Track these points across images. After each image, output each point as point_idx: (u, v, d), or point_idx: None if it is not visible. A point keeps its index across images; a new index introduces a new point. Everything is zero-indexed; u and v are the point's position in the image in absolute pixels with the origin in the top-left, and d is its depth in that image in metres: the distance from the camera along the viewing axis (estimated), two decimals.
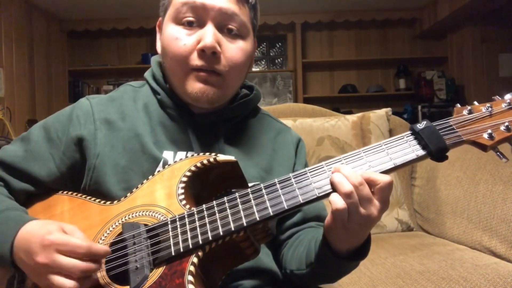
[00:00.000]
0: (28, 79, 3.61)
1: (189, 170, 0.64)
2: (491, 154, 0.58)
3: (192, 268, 0.55)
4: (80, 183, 0.72)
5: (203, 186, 0.67)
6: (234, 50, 0.71)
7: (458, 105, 0.60)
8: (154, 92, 0.77)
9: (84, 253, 0.55)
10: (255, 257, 0.62)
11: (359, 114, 1.55)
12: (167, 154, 0.72)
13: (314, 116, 1.60)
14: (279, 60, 4.73)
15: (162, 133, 0.74)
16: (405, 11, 4.24)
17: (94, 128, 0.72)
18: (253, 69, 4.68)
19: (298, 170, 0.81)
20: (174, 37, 0.70)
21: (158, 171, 0.66)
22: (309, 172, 0.59)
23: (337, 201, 0.55)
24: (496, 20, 3.94)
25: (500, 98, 0.58)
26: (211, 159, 0.63)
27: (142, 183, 0.66)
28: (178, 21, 0.70)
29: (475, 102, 0.59)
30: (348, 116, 1.55)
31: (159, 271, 0.56)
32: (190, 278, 0.54)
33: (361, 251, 0.64)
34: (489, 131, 0.55)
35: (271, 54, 4.72)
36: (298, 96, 4.32)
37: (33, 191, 0.72)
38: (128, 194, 0.66)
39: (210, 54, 0.68)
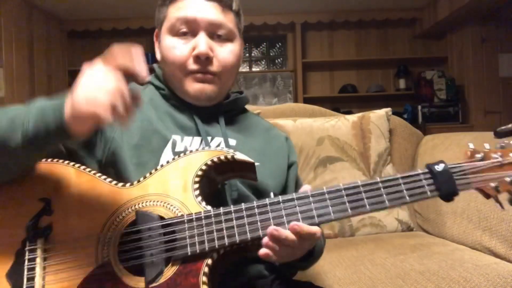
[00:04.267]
0: (28, 79, 3.61)
1: (206, 164, 0.66)
2: None
3: (206, 269, 0.58)
4: (92, 153, 0.75)
5: (214, 177, 0.69)
6: (225, 53, 0.81)
7: (471, 146, 0.63)
8: (158, 88, 0.86)
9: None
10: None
11: (359, 114, 1.55)
12: (176, 137, 0.79)
13: (314, 116, 1.60)
14: (279, 60, 4.73)
15: (169, 120, 0.81)
16: (405, 11, 4.23)
17: None
18: (253, 69, 4.68)
19: (291, 162, 0.90)
20: (172, 46, 0.80)
21: (173, 158, 0.68)
22: (327, 194, 0.62)
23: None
24: (496, 20, 3.94)
25: (510, 143, 0.62)
26: (229, 157, 0.66)
27: (155, 170, 0.67)
28: (174, 33, 0.80)
29: (487, 146, 0.62)
30: (348, 116, 1.55)
31: (173, 269, 0.59)
32: (204, 279, 0.57)
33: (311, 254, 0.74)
34: (496, 183, 0.59)
35: (271, 54, 4.72)
36: (298, 96, 4.31)
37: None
38: (141, 179, 0.67)
39: (204, 59, 0.78)
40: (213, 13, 0.79)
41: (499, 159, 0.60)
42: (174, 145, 0.77)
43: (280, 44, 4.69)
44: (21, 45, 3.51)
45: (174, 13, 0.80)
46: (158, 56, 0.86)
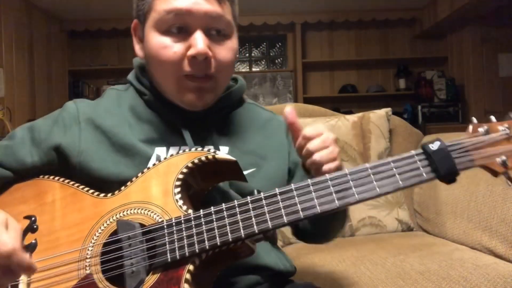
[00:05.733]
0: (28, 79, 3.61)
1: (186, 167, 0.62)
2: None
3: (188, 276, 0.55)
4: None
5: (198, 181, 0.66)
6: (224, 51, 0.71)
7: (475, 120, 0.56)
8: (140, 93, 0.77)
9: (7, 250, 0.54)
10: (250, 256, 0.62)
11: (359, 114, 1.55)
12: (160, 150, 0.72)
13: (314, 116, 1.60)
14: (279, 60, 4.73)
15: (153, 130, 0.74)
16: (405, 11, 4.23)
17: (79, 129, 0.72)
18: (253, 69, 4.68)
19: (296, 161, 0.82)
20: (162, 45, 0.69)
21: (154, 164, 0.65)
22: (312, 186, 0.56)
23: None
24: (496, 20, 3.94)
25: None
26: (210, 157, 0.62)
27: (136, 177, 0.65)
28: (163, 30, 0.69)
29: (493, 118, 0.55)
30: (348, 116, 1.55)
31: (154, 277, 0.56)
32: (186, 286, 0.54)
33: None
34: (504, 157, 0.52)
35: (271, 54, 4.72)
36: (298, 96, 4.32)
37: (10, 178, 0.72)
38: (122, 188, 0.65)
39: (202, 60, 0.67)
40: (210, 4, 0.68)
41: (506, 131, 0.53)
42: (158, 158, 0.71)
43: (280, 44, 4.69)
44: (21, 45, 3.51)
45: (162, 4, 0.68)
46: (139, 52, 0.76)
